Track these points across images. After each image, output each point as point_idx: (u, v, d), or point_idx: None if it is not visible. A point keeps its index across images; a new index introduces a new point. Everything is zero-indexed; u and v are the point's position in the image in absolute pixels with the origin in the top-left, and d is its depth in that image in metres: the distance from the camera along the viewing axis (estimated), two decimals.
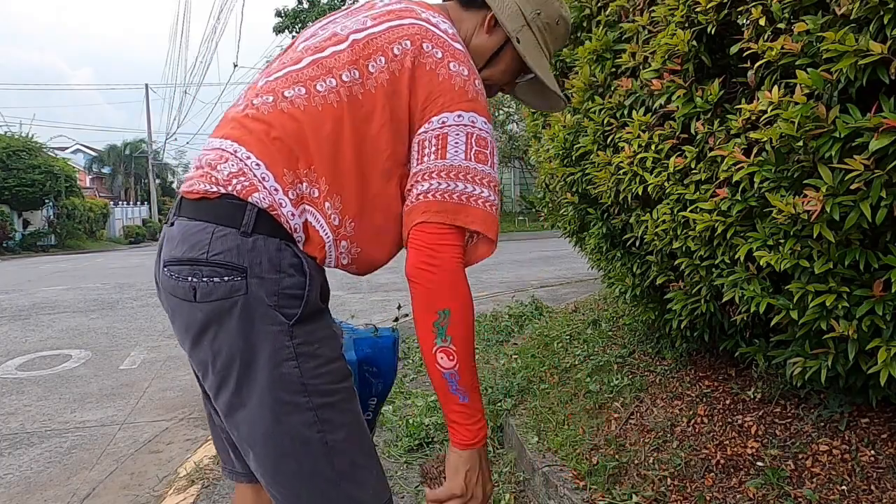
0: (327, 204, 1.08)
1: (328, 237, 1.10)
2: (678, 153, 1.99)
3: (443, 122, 1.08)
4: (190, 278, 1.05)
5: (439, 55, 1.10)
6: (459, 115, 1.08)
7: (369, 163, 1.09)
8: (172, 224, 1.13)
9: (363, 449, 1.13)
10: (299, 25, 22.12)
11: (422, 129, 1.09)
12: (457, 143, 1.08)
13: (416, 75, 1.08)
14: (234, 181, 1.06)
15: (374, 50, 1.10)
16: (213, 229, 1.05)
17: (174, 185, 47.23)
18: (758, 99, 1.64)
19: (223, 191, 1.06)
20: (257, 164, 1.06)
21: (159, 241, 1.17)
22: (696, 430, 2.27)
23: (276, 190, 1.05)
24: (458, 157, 1.08)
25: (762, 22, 1.64)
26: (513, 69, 1.29)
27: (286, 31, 22.46)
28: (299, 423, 1.06)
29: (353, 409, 1.13)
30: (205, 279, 1.04)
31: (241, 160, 1.07)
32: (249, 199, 1.05)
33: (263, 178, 1.05)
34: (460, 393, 1.07)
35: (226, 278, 1.04)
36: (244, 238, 1.04)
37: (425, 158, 1.08)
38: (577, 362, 3.23)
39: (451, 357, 1.05)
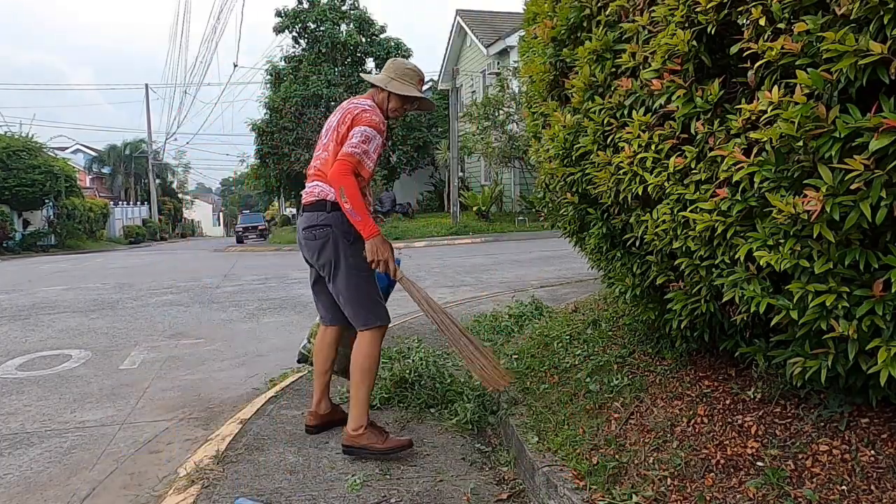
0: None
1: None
2: (678, 153, 1.99)
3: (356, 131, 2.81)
4: (314, 231, 2.77)
5: (357, 112, 2.77)
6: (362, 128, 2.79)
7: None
8: (302, 213, 2.85)
9: (374, 293, 2.85)
10: (299, 25, 22.10)
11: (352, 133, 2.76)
12: (355, 136, 2.75)
13: (350, 124, 2.76)
14: (324, 195, 2.77)
15: (343, 120, 2.78)
16: (318, 213, 2.76)
17: (174, 185, 47.22)
18: (758, 99, 1.64)
19: (318, 199, 2.78)
20: (328, 189, 2.75)
21: (299, 224, 2.91)
22: (696, 430, 2.27)
23: (332, 197, 2.72)
24: (356, 140, 2.73)
25: (762, 22, 1.64)
26: (399, 104, 2.93)
27: (286, 31, 22.40)
28: (356, 277, 2.79)
29: (372, 278, 2.85)
30: (321, 230, 2.76)
31: (322, 188, 2.78)
32: (328, 200, 2.75)
33: (330, 194, 2.74)
34: (353, 215, 2.64)
35: (325, 229, 2.75)
36: (328, 213, 2.75)
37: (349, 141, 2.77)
38: (577, 362, 3.23)
39: (345, 203, 2.62)
